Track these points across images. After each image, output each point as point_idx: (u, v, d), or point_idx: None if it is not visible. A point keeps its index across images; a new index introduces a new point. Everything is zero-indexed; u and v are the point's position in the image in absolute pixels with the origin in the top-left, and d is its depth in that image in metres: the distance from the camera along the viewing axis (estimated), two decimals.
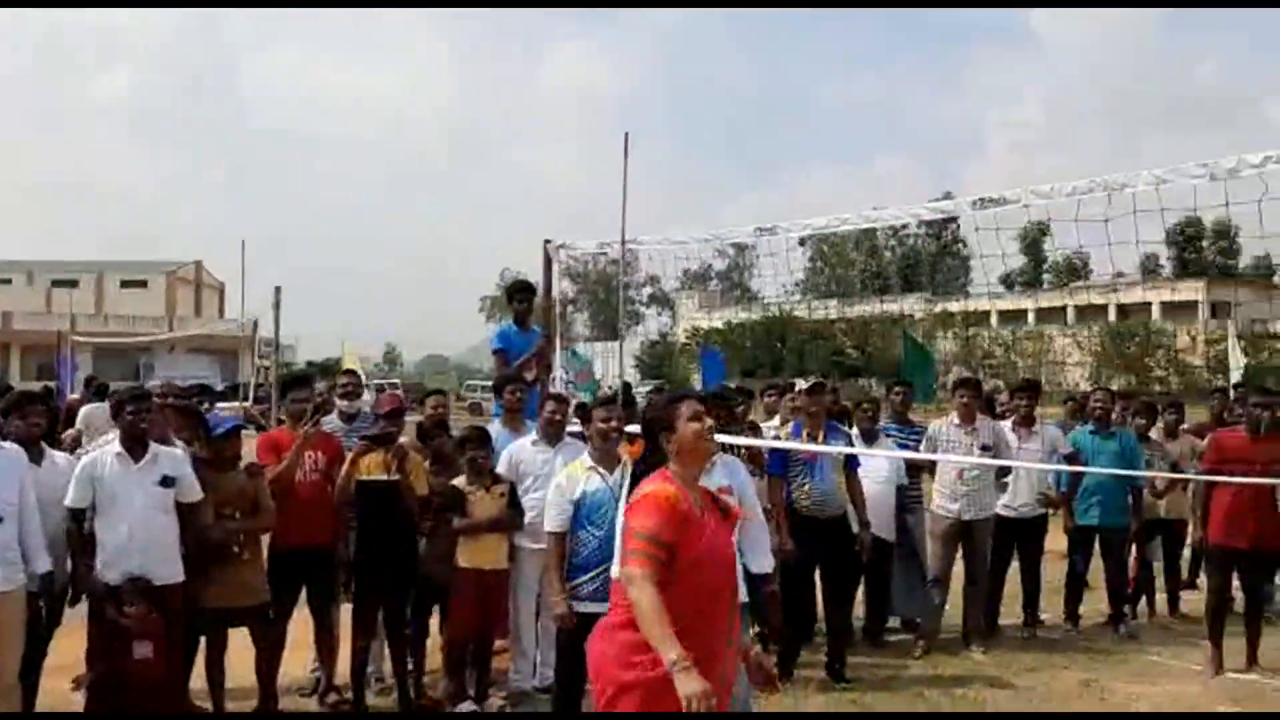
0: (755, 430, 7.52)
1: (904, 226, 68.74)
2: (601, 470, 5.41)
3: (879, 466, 7.57)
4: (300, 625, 6.35)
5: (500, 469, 6.34)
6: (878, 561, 7.52)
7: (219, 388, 19.22)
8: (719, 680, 3.29)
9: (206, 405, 8.97)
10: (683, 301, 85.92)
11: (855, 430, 7.85)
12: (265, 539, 6.08)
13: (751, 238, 6.98)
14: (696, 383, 36.32)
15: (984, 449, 7.68)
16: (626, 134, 6.91)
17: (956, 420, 7.81)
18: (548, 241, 7.83)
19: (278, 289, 8.64)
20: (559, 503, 5.37)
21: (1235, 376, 16.68)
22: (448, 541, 6.06)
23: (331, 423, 6.97)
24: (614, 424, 5.55)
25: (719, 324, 74.00)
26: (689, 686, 3.05)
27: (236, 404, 11.93)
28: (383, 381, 39.28)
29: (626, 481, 5.09)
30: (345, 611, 6.49)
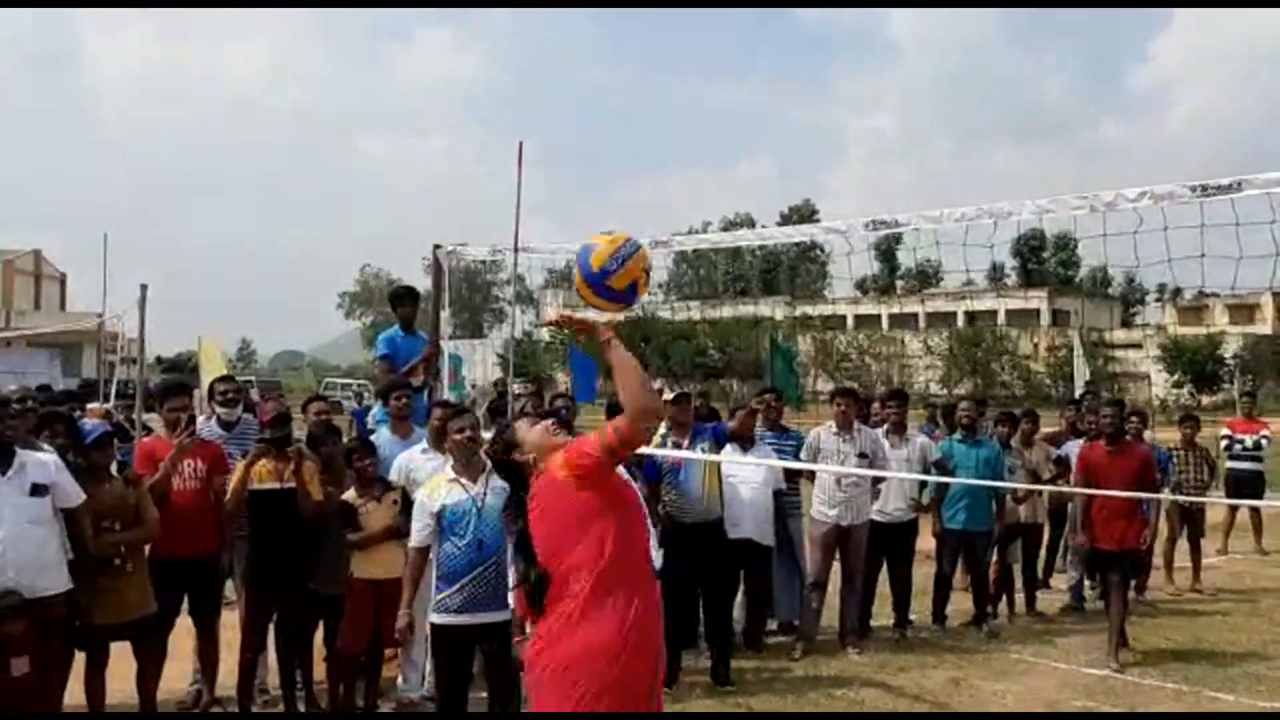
0: None
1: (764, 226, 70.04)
2: (464, 481, 5.34)
3: (756, 471, 7.74)
4: (180, 636, 6.20)
5: (393, 478, 6.29)
6: (758, 566, 7.72)
7: (59, 386, 18.27)
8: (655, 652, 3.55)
9: (78, 411, 8.56)
10: (548, 300, 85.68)
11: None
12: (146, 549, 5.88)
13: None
14: (565, 382, 36.37)
15: (861, 456, 7.94)
16: (520, 143, 6.94)
17: (834, 428, 8.06)
18: (437, 247, 7.75)
19: (144, 286, 8.30)
20: (421, 518, 5.31)
21: (1080, 385, 17.58)
22: (340, 556, 5.97)
23: (210, 430, 6.78)
24: (469, 434, 5.49)
25: None
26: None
27: (97, 405, 11.35)
28: (240, 379, 37.91)
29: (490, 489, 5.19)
30: (226, 621, 6.37)
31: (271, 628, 6.22)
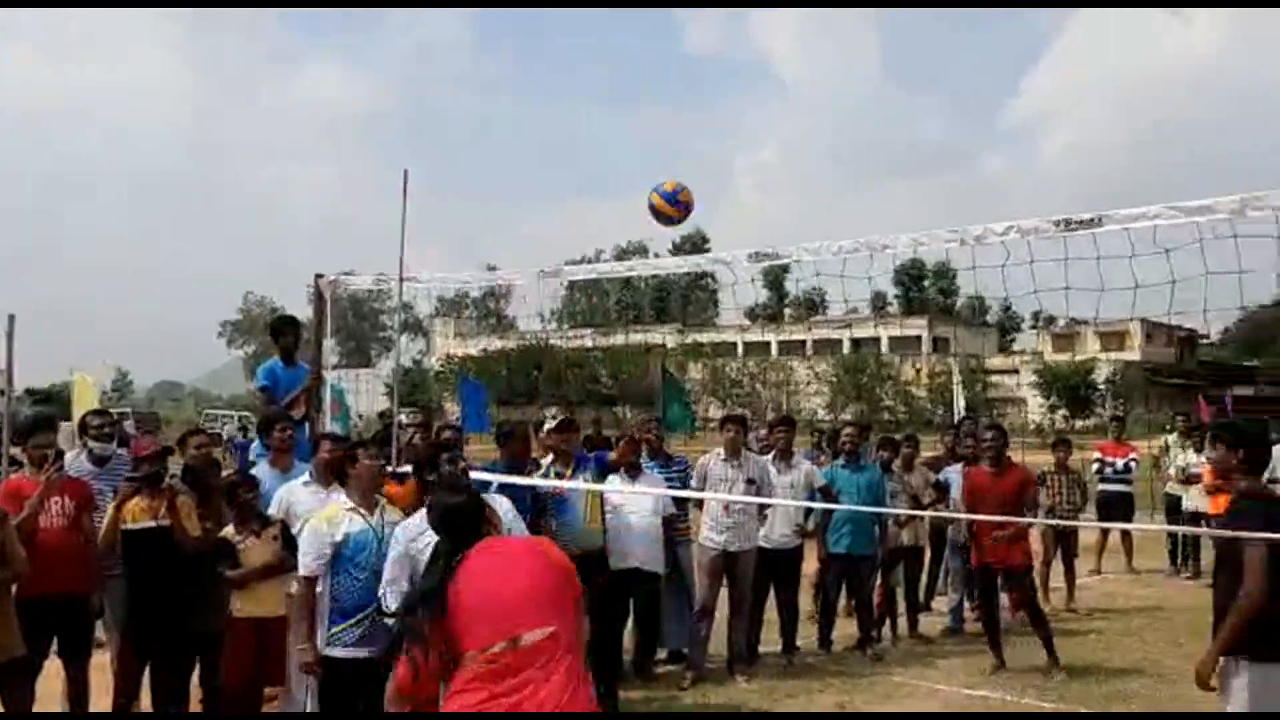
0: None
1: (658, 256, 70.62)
2: (362, 511, 5.28)
3: (644, 499, 7.77)
4: (50, 679, 5.98)
5: (272, 511, 6.13)
6: (647, 594, 7.72)
7: None
8: None
9: None
10: (438, 329, 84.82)
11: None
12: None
13: (531, 279, 7.05)
14: (455, 412, 35.94)
15: (749, 482, 8.03)
16: (406, 171, 6.86)
17: (723, 455, 8.14)
18: (319, 276, 7.61)
19: (11, 316, 7.97)
20: (317, 546, 5.17)
21: (960, 410, 18.12)
22: (219, 592, 5.79)
23: (80, 466, 6.53)
24: (380, 464, 5.46)
25: (475, 352, 73.57)
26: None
27: None
28: (115, 411, 36.64)
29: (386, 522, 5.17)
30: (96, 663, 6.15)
31: (147, 669, 6.01)
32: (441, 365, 74.09)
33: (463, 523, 3.62)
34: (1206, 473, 11.62)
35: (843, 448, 9.08)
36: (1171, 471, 12.88)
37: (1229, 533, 4.56)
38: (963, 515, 7.74)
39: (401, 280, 7.00)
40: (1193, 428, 13.38)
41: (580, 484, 6.97)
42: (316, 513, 5.40)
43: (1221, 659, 4.53)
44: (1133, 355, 63.15)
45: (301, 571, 5.22)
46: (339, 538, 5.14)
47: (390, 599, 4.71)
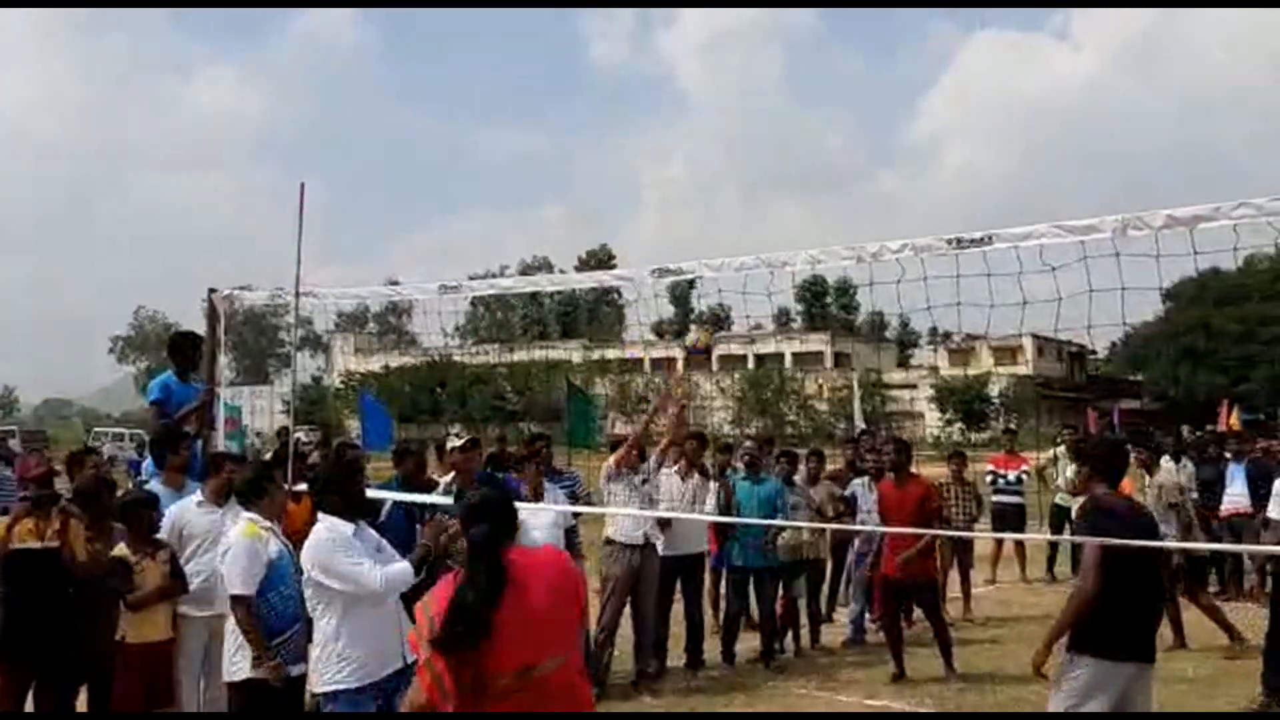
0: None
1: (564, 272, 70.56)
2: (277, 531, 5.30)
3: (545, 515, 7.75)
4: None
5: (163, 533, 5.94)
6: None
7: None
8: None
9: None
10: (337, 344, 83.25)
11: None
12: None
13: (433, 294, 6.97)
14: (355, 429, 35.31)
15: (651, 498, 8.07)
16: (302, 184, 6.76)
17: (613, 467, 8.15)
18: (213, 291, 7.42)
19: None
20: (253, 564, 5.11)
21: (859, 424, 18.46)
22: (109, 615, 5.60)
23: None
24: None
25: (376, 368, 72.50)
26: None
27: None
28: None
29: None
30: None
31: (31, 695, 5.81)
32: (342, 382, 72.81)
33: (496, 513, 3.38)
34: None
35: (742, 460, 9.19)
36: (1061, 483, 13.28)
37: (1080, 538, 5.22)
38: (867, 528, 7.94)
39: (299, 295, 6.87)
40: (1080, 440, 13.81)
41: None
42: (240, 531, 5.26)
43: (1066, 654, 4.89)
44: (1025, 370, 65.02)
45: (240, 590, 5.10)
46: (272, 556, 5.14)
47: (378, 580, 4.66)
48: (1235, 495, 11.53)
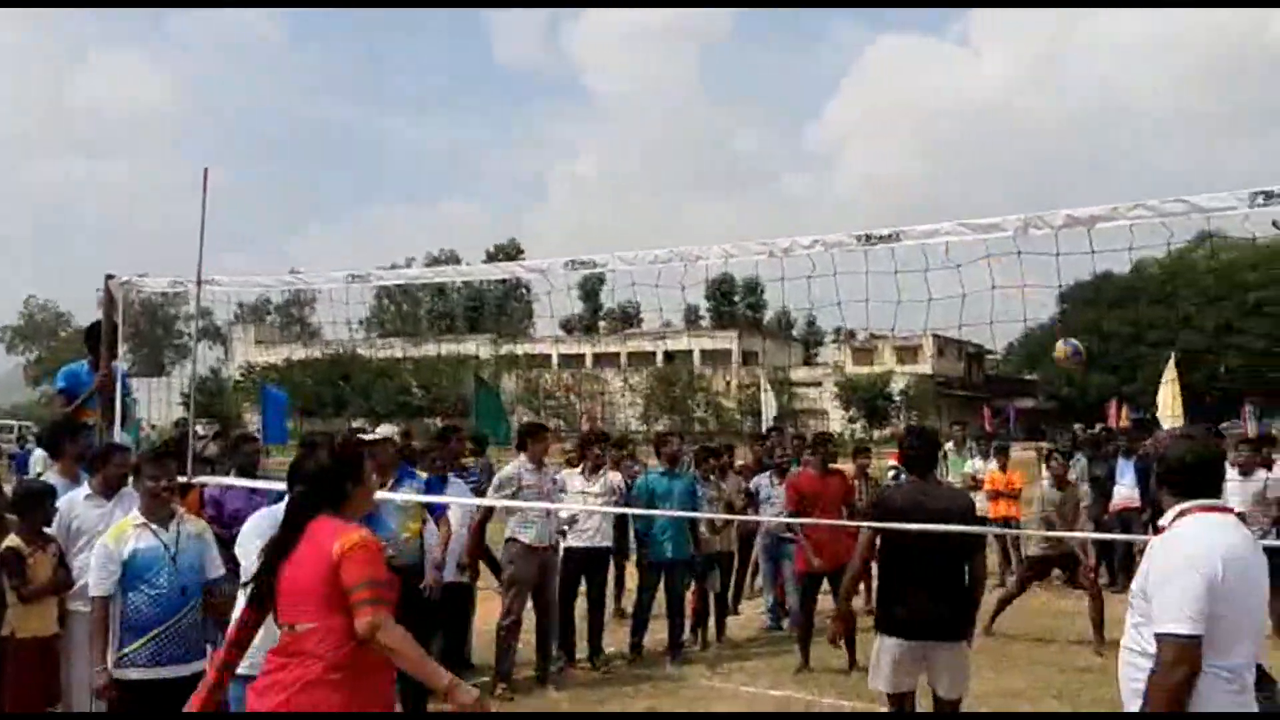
0: None
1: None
2: (154, 526, 5.09)
3: (451, 512, 7.67)
4: None
5: (51, 526, 5.71)
6: (456, 605, 7.62)
7: None
8: None
9: None
10: (237, 336, 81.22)
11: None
12: None
13: (338, 284, 6.83)
14: (254, 422, 34.51)
15: (559, 491, 8.10)
16: (206, 170, 6.58)
17: (529, 464, 8.11)
18: (110, 277, 7.15)
19: None
20: (106, 564, 4.97)
21: (768, 420, 18.66)
22: None
23: None
24: (164, 483, 5.21)
25: (278, 360, 71.05)
26: (469, 695, 3.39)
27: None
28: None
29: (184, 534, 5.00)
30: None
31: None
32: (241, 374, 71.22)
33: (311, 479, 3.70)
34: (988, 480, 12.49)
35: (664, 456, 9.20)
36: (952, 478, 13.59)
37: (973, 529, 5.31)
38: (796, 520, 8.31)
39: (200, 283, 6.69)
40: (977, 436, 14.19)
41: (398, 496, 6.76)
42: (107, 531, 5.14)
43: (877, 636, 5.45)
44: (925, 369, 66.54)
45: (92, 592, 5.00)
46: (126, 555, 4.95)
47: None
48: (1125, 490, 12.03)
